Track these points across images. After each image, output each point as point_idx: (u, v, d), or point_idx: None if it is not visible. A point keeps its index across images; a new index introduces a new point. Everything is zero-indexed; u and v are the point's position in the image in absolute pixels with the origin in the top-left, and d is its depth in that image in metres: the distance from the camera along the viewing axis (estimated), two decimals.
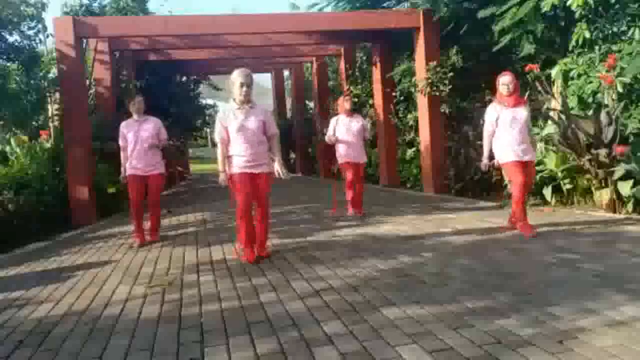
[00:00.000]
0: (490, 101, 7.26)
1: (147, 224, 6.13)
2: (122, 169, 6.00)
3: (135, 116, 5.97)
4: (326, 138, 7.12)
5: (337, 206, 7.38)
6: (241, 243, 4.81)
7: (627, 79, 6.43)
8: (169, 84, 13.27)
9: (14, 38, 10.44)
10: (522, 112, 5.23)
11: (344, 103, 7.07)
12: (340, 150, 6.96)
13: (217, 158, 4.71)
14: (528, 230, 5.06)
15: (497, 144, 5.30)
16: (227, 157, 4.66)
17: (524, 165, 5.19)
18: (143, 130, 5.91)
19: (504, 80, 5.23)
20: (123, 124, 6.02)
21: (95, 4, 11.41)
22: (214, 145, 4.81)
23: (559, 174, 6.76)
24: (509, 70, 5.66)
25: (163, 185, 6.09)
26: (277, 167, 4.72)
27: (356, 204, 7.00)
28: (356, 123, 6.98)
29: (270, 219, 4.93)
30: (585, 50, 7.23)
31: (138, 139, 5.87)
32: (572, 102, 7.07)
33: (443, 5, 8.90)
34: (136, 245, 5.79)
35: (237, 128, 4.56)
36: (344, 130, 6.92)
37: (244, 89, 4.51)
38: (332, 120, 7.11)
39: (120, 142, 5.97)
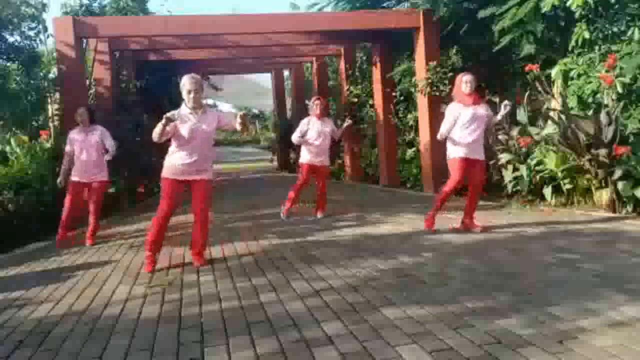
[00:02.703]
0: (490, 101, 7.30)
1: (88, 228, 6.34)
2: (61, 174, 6.33)
3: (81, 126, 6.30)
4: (292, 138, 7.05)
5: (322, 206, 7.15)
6: (147, 248, 4.67)
7: (626, 79, 6.43)
8: (169, 84, 13.24)
9: (14, 38, 10.44)
10: (482, 111, 5.41)
11: (315, 107, 7.07)
12: (305, 152, 7.02)
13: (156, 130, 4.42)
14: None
15: (451, 139, 5.47)
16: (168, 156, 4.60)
17: (472, 164, 5.39)
18: (89, 139, 6.23)
19: (467, 78, 5.39)
20: (71, 132, 6.37)
21: (95, 4, 11.40)
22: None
23: (559, 174, 6.76)
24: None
25: (103, 193, 6.51)
26: (234, 122, 4.56)
27: (320, 205, 7.07)
28: (327, 127, 7.00)
29: (208, 226, 4.76)
30: (585, 50, 7.23)
31: (84, 149, 6.19)
32: (572, 102, 7.06)
33: (443, 5, 8.90)
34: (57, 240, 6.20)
35: (187, 132, 4.46)
36: (314, 133, 6.92)
37: (191, 95, 4.46)
38: (304, 122, 7.06)
39: (67, 148, 6.30)
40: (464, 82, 5.36)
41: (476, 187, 5.49)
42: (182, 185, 4.61)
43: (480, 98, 5.56)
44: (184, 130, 4.47)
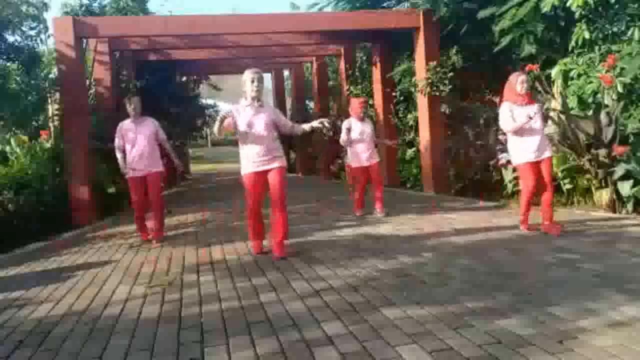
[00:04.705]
0: (490, 101, 7.30)
1: (150, 223, 6.15)
2: (121, 166, 5.99)
3: (132, 117, 5.97)
4: (341, 141, 6.89)
5: (360, 205, 7.08)
6: (250, 239, 5.07)
7: (626, 79, 6.43)
8: (169, 84, 13.25)
9: (14, 38, 10.45)
10: (535, 109, 5.15)
11: (358, 107, 6.86)
12: (353, 155, 6.84)
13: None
14: (553, 230, 5.07)
15: (512, 143, 5.23)
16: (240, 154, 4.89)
17: (540, 164, 5.12)
18: (140, 130, 5.92)
19: (523, 78, 5.17)
20: (120, 125, 6.02)
21: (95, 4, 11.41)
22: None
23: (559, 174, 6.76)
24: (509, 71, 5.68)
25: (161, 183, 6.21)
26: (316, 124, 4.77)
27: (379, 202, 6.89)
28: (368, 127, 6.85)
29: (286, 215, 4.81)
30: (585, 50, 7.24)
31: (137, 141, 5.88)
32: (572, 102, 7.07)
33: (443, 5, 8.90)
34: (139, 242, 5.95)
35: (245, 124, 4.72)
36: (357, 134, 6.76)
37: (255, 83, 4.72)
38: (345, 124, 6.88)
39: (116, 142, 5.98)
40: (519, 83, 5.14)
41: (548, 184, 5.16)
42: (261, 177, 4.77)
43: (532, 97, 5.35)
44: (243, 122, 4.71)
